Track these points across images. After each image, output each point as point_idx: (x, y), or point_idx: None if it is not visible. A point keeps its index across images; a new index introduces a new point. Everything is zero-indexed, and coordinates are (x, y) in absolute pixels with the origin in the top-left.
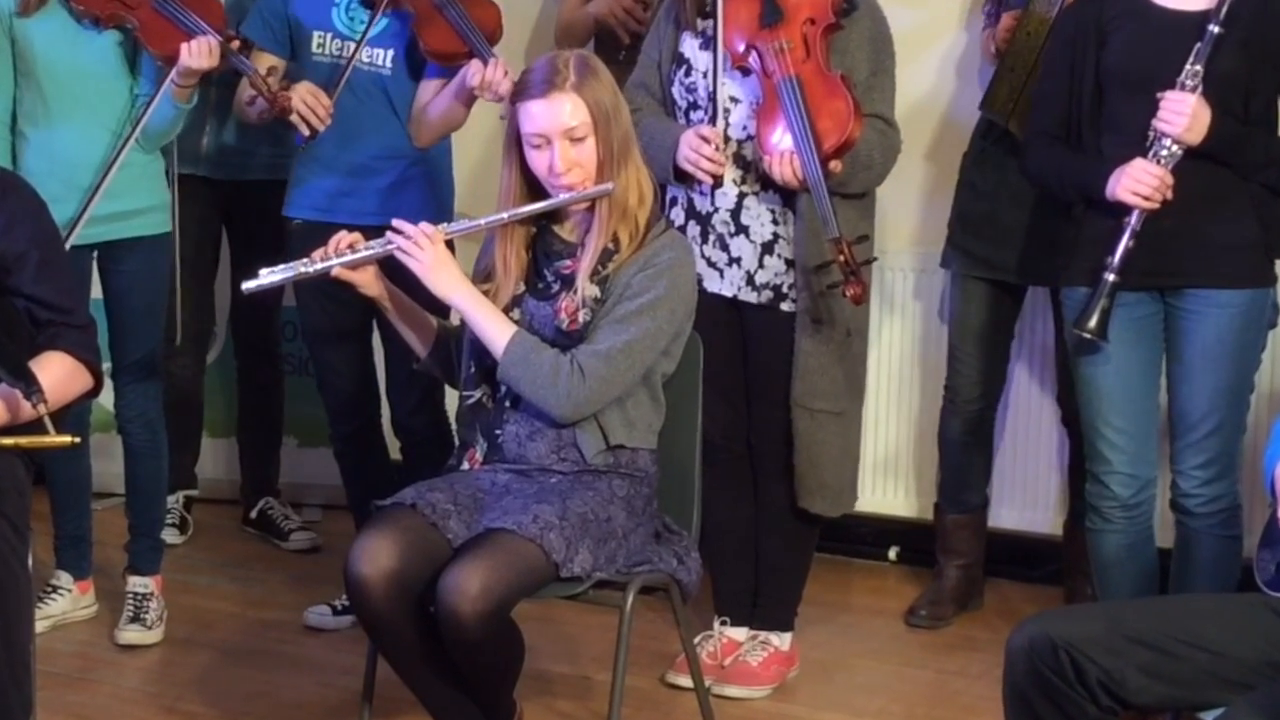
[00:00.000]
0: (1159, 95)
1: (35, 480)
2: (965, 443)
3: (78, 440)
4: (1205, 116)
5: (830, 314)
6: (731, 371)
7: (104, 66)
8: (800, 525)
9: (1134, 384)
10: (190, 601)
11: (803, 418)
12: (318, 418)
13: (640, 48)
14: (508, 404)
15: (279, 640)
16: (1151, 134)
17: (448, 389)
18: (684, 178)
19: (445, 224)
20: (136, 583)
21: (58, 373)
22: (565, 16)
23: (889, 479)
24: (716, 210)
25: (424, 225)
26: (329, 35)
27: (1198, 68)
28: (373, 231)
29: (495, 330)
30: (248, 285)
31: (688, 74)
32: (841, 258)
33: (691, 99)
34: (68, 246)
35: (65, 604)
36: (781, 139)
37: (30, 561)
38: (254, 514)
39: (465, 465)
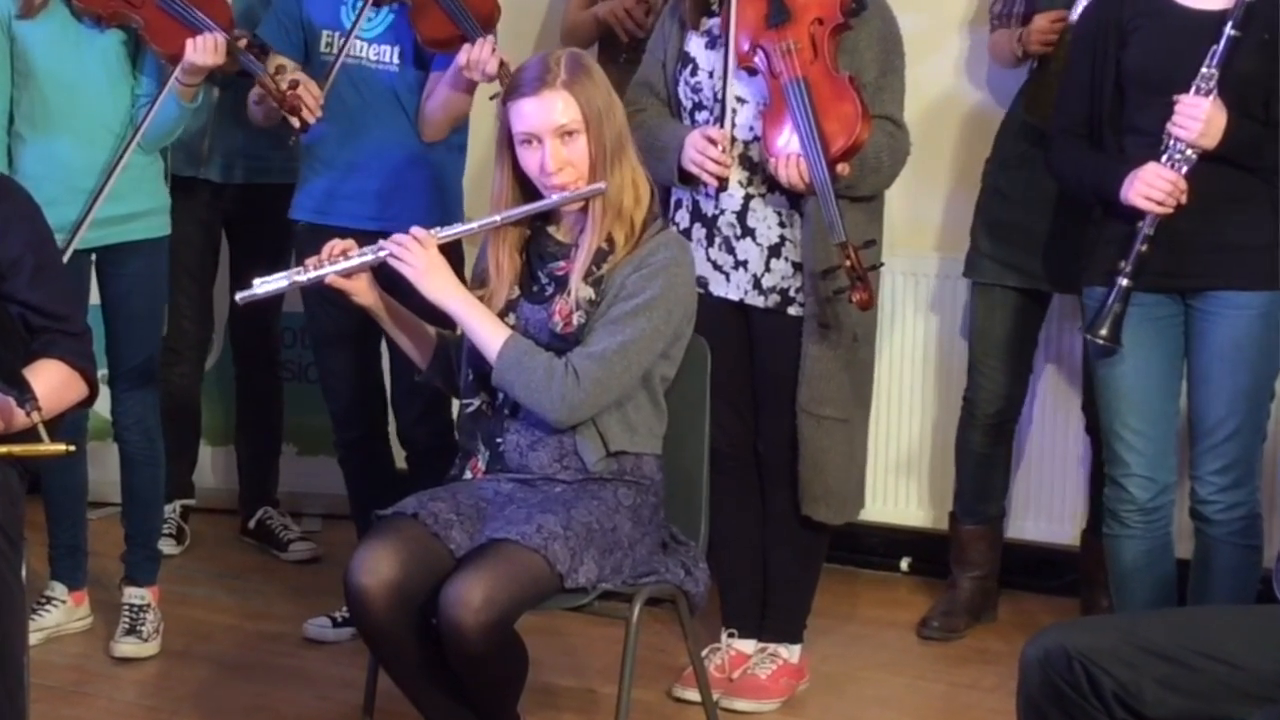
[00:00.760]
0: (1174, 99)
1: (29, 489)
2: (985, 455)
3: (73, 449)
4: (1220, 120)
5: (837, 319)
6: (738, 377)
7: (105, 68)
8: (809, 535)
9: (1153, 386)
10: (187, 613)
11: (808, 424)
12: (317, 426)
13: (640, 50)
14: (507, 412)
15: (278, 653)
16: (1166, 138)
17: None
18: (689, 180)
19: (437, 228)
20: (132, 594)
21: (52, 380)
22: (570, 18)
23: (900, 487)
24: (722, 213)
25: (415, 229)
26: (336, 34)
27: (1213, 70)
28: (370, 235)
29: (489, 335)
30: (242, 295)
31: (693, 73)
32: (848, 263)
33: (696, 99)
34: (70, 251)
35: (60, 615)
36: (788, 141)
37: (24, 572)
38: (252, 524)
39: (468, 474)
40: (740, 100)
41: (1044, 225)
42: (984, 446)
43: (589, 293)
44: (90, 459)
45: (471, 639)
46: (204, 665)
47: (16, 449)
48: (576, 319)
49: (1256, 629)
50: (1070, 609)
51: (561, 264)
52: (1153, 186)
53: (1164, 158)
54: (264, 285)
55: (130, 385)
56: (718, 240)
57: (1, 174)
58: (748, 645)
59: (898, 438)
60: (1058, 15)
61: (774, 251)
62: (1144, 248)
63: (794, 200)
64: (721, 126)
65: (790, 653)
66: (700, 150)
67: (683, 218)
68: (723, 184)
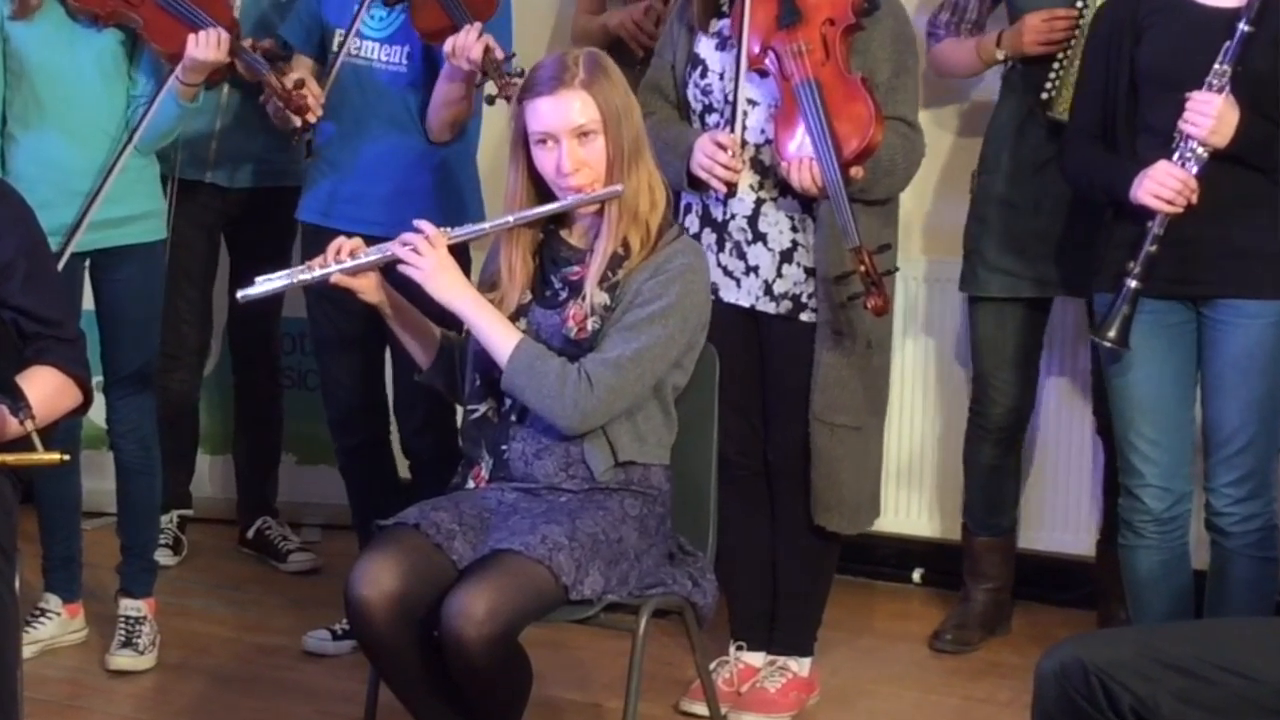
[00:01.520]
0: (1186, 96)
1: (23, 499)
2: (996, 467)
3: (67, 457)
4: (1232, 118)
5: (851, 326)
6: (748, 385)
7: (100, 68)
8: (820, 545)
9: (1167, 394)
10: (184, 625)
11: (822, 432)
12: (317, 434)
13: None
14: (514, 418)
15: (276, 666)
16: (1177, 136)
17: (458, 410)
18: (698, 184)
19: (448, 228)
20: (128, 606)
21: (46, 388)
22: (579, 25)
23: (912, 497)
24: (733, 217)
25: (425, 226)
26: (347, 34)
27: (1225, 67)
28: (375, 240)
29: (500, 338)
30: (244, 293)
31: (703, 75)
32: (862, 268)
33: (706, 101)
34: (66, 255)
35: (54, 628)
36: (800, 144)
37: (18, 584)
38: (251, 534)
39: (471, 483)
40: (751, 103)
41: (1059, 231)
42: (994, 459)
43: (604, 298)
44: (85, 468)
45: (474, 652)
46: (201, 679)
47: (9, 458)
48: (591, 324)
49: (1275, 642)
50: (1085, 621)
51: (576, 268)
52: (1162, 185)
53: (1175, 156)
54: (266, 283)
55: (125, 392)
56: (728, 245)
57: None
58: (757, 658)
59: (909, 446)
60: (1055, 13)
61: (786, 257)
62: (1153, 248)
63: (806, 204)
64: (732, 130)
65: (800, 666)
66: (709, 155)
67: (692, 222)
68: (731, 190)
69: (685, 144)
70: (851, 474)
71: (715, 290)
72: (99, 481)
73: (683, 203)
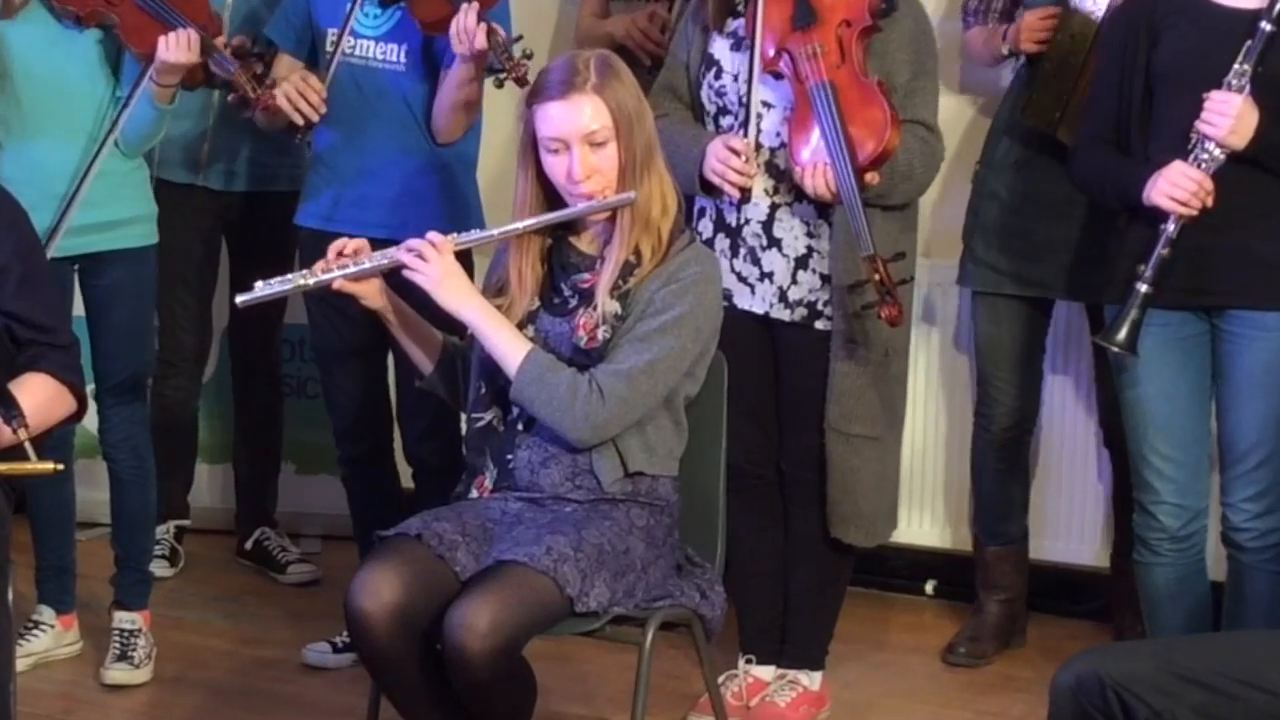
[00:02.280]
0: (1204, 96)
1: (15, 509)
2: (1001, 471)
3: (60, 466)
4: (1252, 119)
5: (866, 335)
6: (761, 393)
7: (84, 69)
8: (832, 557)
9: (1182, 408)
10: (181, 638)
11: (837, 443)
12: (317, 443)
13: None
14: (520, 427)
15: (275, 680)
16: (1194, 136)
17: (463, 418)
18: (710, 189)
19: (455, 234)
20: (123, 618)
21: (39, 396)
22: (583, 28)
23: (925, 508)
24: (747, 222)
25: (432, 235)
26: (339, 32)
27: (1245, 67)
28: (379, 245)
29: (509, 347)
30: (242, 298)
31: (717, 76)
32: (876, 276)
33: (720, 103)
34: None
35: (47, 641)
36: (814, 149)
37: (10, 596)
38: (249, 545)
39: (474, 493)
40: (766, 105)
41: (1043, 231)
42: (1000, 462)
43: (615, 307)
44: (79, 477)
45: (477, 665)
46: (198, 693)
47: (2, 467)
48: (601, 334)
49: None
50: (1099, 633)
51: (586, 276)
52: (1177, 186)
53: (1190, 157)
54: (266, 288)
55: (116, 401)
56: (742, 251)
57: None
58: (766, 672)
59: (918, 455)
60: (1049, 11)
61: (801, 263)
62: (1165, 251)
63: (822, 209)
64: (746, 133)
65: (811, 680)
66: (723, 160)
67: (706, 227)
68: (744, 195)
69: (698, 147)
70: (869, 485)
71: (729, 297)
72: (93, 491)
73: (696, 206)
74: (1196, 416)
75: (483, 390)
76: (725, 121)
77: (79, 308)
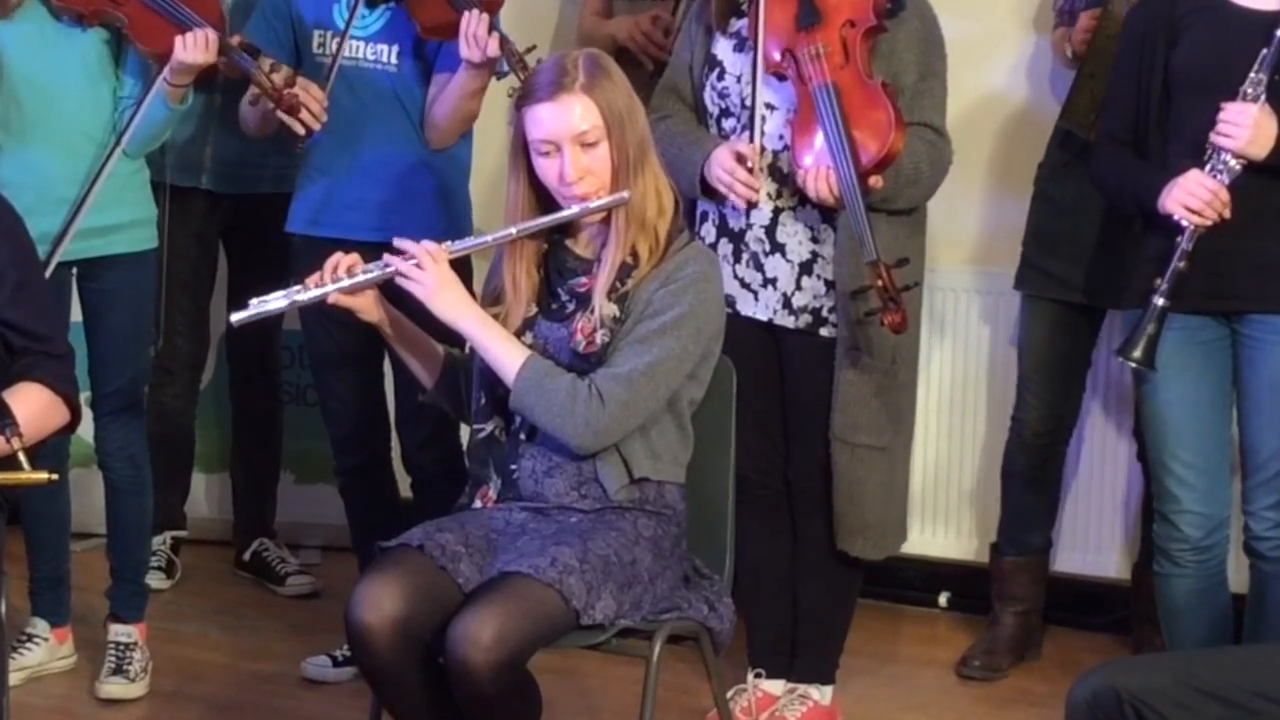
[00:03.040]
0: (1221, 105)
1: (9, 520)
2: (1030, 479)
3: (55, 477)
4: (1270, 129)
5: (870, 342)
6: (767, 401)
7: (84, 69)
8: (843, 568)
9: (1203, 415)
10: (177, 652)
11: (843, 453)
12: (317, 452)
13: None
14: (523, 437)
15: (274, 694)
16: (1209, 147)
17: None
18: (713, 193)
19: (449, 242)
20: (119, 631)
21: (34, 405)
22: (585, 29)
23: (939, 518)
24: (750, 227)
25: (426, 243)
26: (329, 34)
27: (1261, 76)
28: (371, 248)
29: (506, 356)
30: (236, 317)
31: (720, 78)
32: (880, 282)
33: (723, 105)
34: (52, 266)
35: (42, 654)
36: (816, 152)
37: (4, 608)
38: (247, 556)
39: (478, 503)
40: (769, 107)
41: (1091, 237)
42: (1030, 470)
43: (613, 310)
44: (73, 487)
45: (481, 679)
46: (195, 707)
47: None
48: (600, 338)
49: None
50: (1117, 647)
51: (583, 280)
52: (1191, 195)
53: (1207, 167)
54: (261, 305)
55: (113, 409)
56: (745, 256)
57: None
58: (776, 686)
59: (935, 465)
60: (1095, 13)
61: (805, 269)
62: (1182, 264)
63: (826, 214)
64: (751, 138)
65: (821, 694)
66: (728, 170)
67: (709, 231)
68: (752, 205)
69: (701, 151)
70: (876, 496)
71: (732, 303)
72: (88, 501)
73: (698, 211)
74: (1218, 422)
75: (483, 400)
76: (728, 124)
77: (76, 313)
